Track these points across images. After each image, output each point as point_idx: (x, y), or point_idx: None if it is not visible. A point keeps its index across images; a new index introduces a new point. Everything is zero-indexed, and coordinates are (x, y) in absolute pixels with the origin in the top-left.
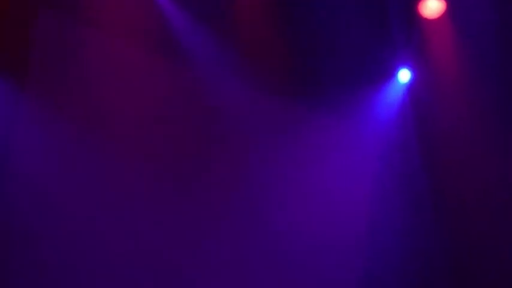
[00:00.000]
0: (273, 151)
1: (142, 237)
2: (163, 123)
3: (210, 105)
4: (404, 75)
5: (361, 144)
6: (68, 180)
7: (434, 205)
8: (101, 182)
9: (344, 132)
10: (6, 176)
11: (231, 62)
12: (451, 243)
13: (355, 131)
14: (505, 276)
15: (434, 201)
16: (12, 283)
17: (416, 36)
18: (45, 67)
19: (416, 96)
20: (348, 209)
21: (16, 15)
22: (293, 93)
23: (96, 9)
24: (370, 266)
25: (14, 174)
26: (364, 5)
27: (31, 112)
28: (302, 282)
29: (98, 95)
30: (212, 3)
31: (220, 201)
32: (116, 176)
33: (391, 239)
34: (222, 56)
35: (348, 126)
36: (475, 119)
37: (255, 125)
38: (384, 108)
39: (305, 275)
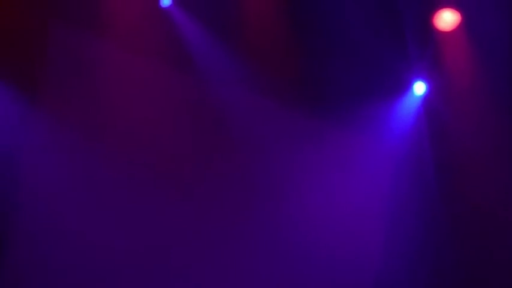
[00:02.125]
0: (285, 163)
1: (152, 242)
2: (175, 134)
3: (222, 115)
4: (419, 88)
5: (375, 157)
6: (78, 191)
7: (449, 218)
8: (112, 192)
9: (358, 145)
10: (16, 186)
11: (244, 73)
12: (466, 257)
13: (369, 144)
14: None
15: (450, 215)
16: (20, 285)
17: (431, 48)
18: (57, 80)
19: (432, 108)
20: (362, 221)
21: (28, 28)
22: (306, 105)
23: (108, 21)
24: (385, 275)
25: (24, 184)
26: (378, 18)
27: (42, 124)
28: None
29: (109, 105)
30: (225, 14)
31: (229, 209)
32: (126, 184)
33: (405, 252)
34: (234, 67)
35: (362, 139)
36: (491, 131)
37: (266, 135)
38: (398, 120)
39: (320, 284)
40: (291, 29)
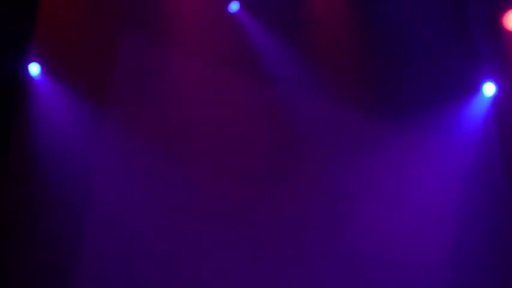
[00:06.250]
0: (357, 165)
1: (217, 245)
2: (245, 140)
3: (293, 119)
4: (489, 89)
5: (445, 159)
6: (145, 200)
7: None
8: (177, 194)
9: (428, 146)
10: (88, 185)
11: (313, 76)
12: None
13: (439, 145)
14: None
15: None
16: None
17: (501, 49)
18: (127, 87)
19: (501, 109)
20: (432, 223)
21: (98, 38)
22: (376, 108)
23: (176, 28)
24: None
25: (93, 189)
26: (447, 19)
27: (112, 132)
28: None
29: (179, 112)
30: (293, 19)
31: (304, 213)
32: (196, 194)
33: (476, 255)
34: (302, 71)
35: (432, 140)
36: None
37: (337, 138)
38: (468, 122)
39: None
40: (359, 32)
